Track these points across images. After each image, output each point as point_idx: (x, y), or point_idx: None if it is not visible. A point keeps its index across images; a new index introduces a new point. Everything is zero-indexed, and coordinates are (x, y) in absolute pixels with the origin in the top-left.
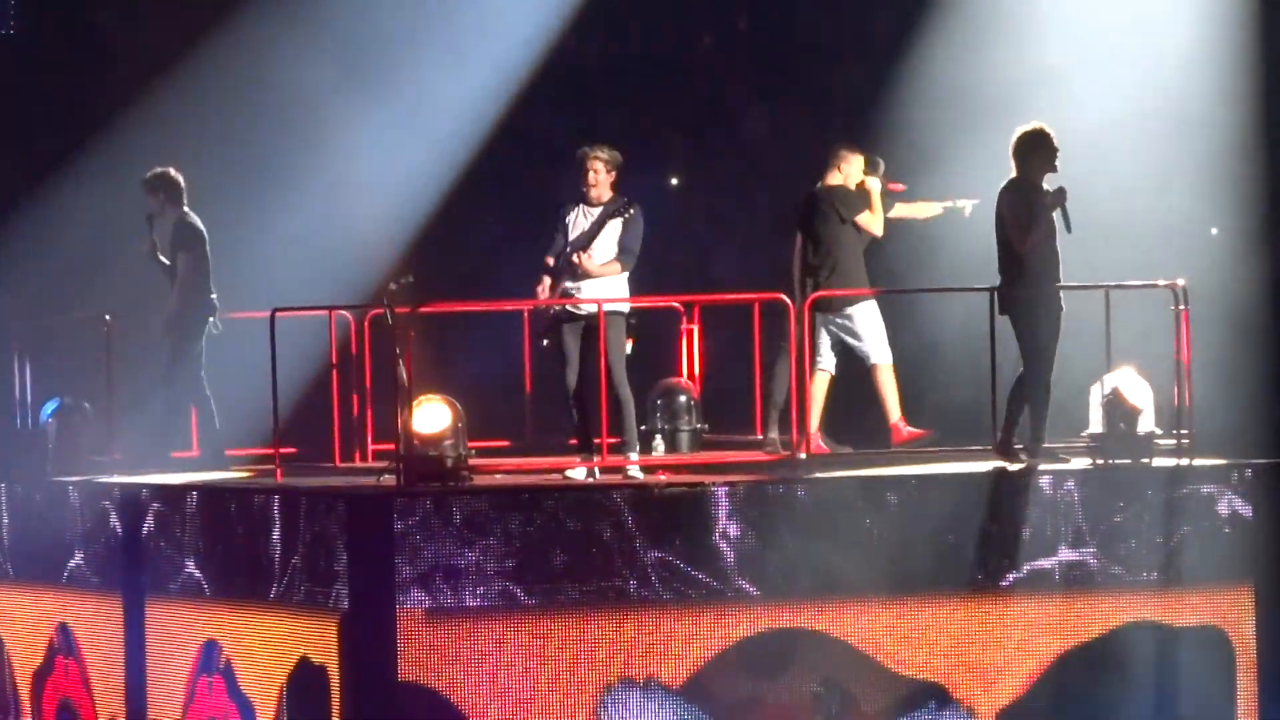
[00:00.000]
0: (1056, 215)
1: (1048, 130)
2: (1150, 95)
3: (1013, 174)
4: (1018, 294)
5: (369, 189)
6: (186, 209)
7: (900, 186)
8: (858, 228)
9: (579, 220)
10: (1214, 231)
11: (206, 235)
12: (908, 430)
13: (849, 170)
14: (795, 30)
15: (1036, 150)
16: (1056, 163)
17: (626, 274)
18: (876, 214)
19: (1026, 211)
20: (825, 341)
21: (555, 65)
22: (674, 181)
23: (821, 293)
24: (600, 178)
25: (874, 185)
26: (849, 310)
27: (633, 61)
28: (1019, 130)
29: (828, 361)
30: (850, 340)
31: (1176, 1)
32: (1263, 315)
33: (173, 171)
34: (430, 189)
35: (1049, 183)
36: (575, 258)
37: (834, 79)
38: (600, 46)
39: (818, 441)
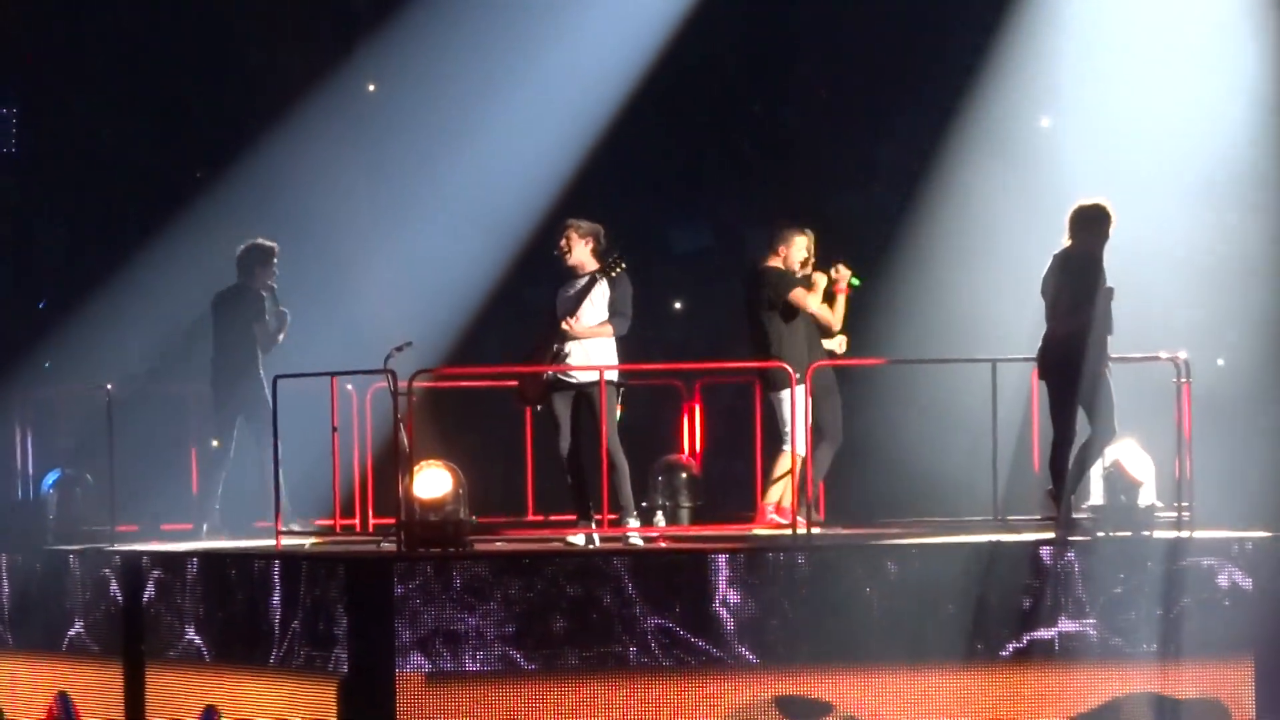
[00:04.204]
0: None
1: (1107, 205)
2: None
3: (1066, 244)
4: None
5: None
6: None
7: (845, 290)
8: (790, 308)
9: (565, 292)
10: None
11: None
12: (770, 518)
13: (790, 253)
14: (796, 157)
15: (1094, 224)
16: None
17: (613, 341)
18: (815, 292)
19: (1072, 291)
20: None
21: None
22: (678, 305)
23: (822, 363)
24: (575, 245)
25: (820, 280)
26: (781, 394)
27: (637, 182)
28: (1079, 202)
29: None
30: (776, 421)
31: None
32: (1265, 388)
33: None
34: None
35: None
36: (564, 324)
37: (831, 206)
38: (604, 167)
39: (770, 515)
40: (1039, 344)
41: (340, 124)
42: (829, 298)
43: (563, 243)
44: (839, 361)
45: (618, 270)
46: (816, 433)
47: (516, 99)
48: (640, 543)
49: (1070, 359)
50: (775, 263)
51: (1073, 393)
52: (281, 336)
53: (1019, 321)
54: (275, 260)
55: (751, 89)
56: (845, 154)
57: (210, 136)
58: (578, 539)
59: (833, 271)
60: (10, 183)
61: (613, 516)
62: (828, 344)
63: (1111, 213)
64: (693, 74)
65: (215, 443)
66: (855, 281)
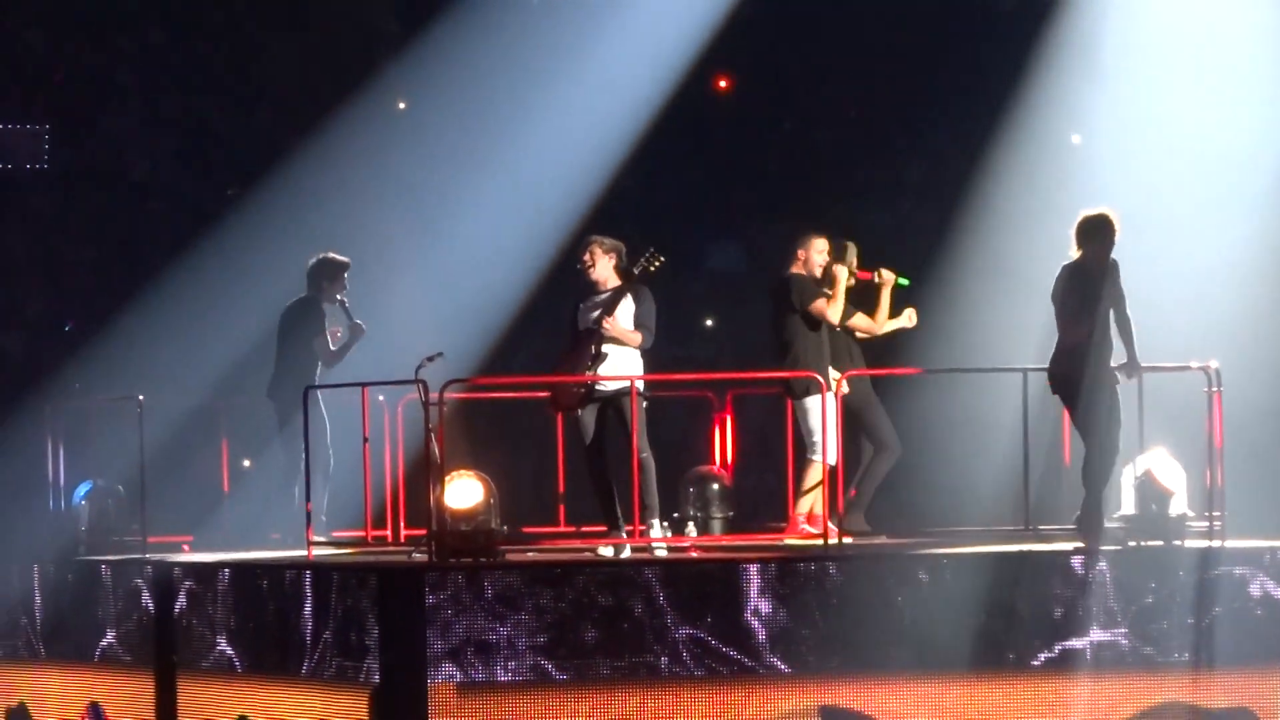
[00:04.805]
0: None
1: (1111, 214)
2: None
3: (1074, 255)
4: (1071, 374)
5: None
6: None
7: (868, 275)
8: (813, 316)
9: (587, 308)
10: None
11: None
12: (802, 528)
13: (810, 256)
14: (823, 172)
15: (1100, 234)
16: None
17: (639, 353)
18: (836, 301)
19: (1077, 301)
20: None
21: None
22: (709, 323)
23: (852, 371)
24: (598, 259)
25: (841, 273)
26: (806, 402)
27: (667, 199)
28: (1083, 213)
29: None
30: (801, 430)
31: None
32: None
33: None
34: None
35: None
36: (604, 322)
37: (858, 220)
38: (633, 188)
39: (802, 525)
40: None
41: (371, 140)
42: (855, 295)
43: (586, 257)
44: (870, 371)
45: (656, 264)
46: (874, 444)
47: (547, 116)
48: (664, 551)
49: (1076, 370)
50: (798, 269)
51: (1080, 402)
52: (352, 350)
53: (1049, 333)
54: (345, 275)
55: (781, 108)
56: (875, 172)
57: (241, 153)
58: (608, 550)
59: (875, 276)
60: (43, 200)
61: (642, 527)
62: (896, 323)
63: (1116, 222)
64: (724, 93)
65: (247, 463)
66: (904, 281)
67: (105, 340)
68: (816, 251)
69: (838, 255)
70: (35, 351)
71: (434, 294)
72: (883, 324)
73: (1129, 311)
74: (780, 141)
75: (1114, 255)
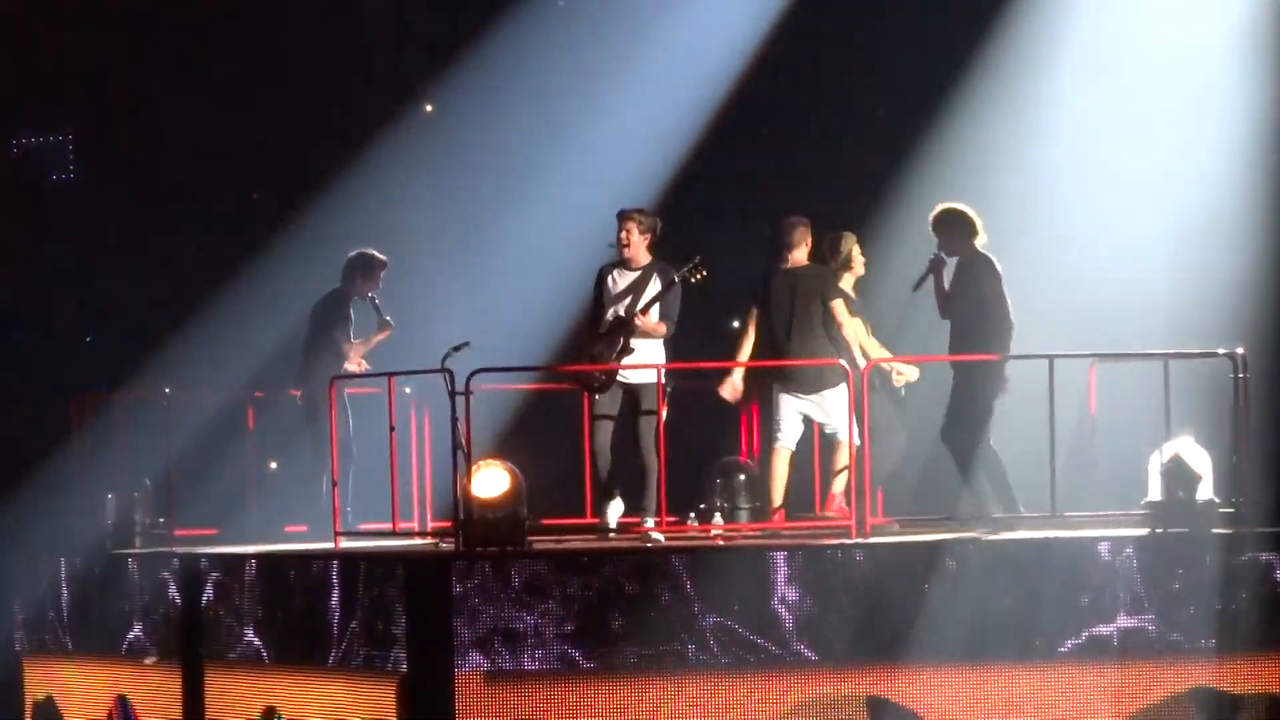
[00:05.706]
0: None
1: (960, 208)
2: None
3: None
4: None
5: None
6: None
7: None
8: (830, 311)
9: (617, 281)
10: None
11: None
12: (839, 505)
13: (810, 245)
14: (797, 164)
15: (940, 229)
16: (977, 235)
17: (662, 343)
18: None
19: (938, 296)
20: (787, 419)
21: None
22: (735, 324)
23: (878, 359)
24: (634, 238)
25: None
26: (825, 392)
27: (695, 198)
28: (937, 207)
29: (789, 439)
30: (819, 419)
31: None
32: None
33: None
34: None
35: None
36: (637, 319)
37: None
38: (662, 183)
39: (839, 503)
40: None
41: (409, 142)
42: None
43: (623, 234)
44: (899, 359)
45: (698, 276)
46: (873, 432)
47: (576, 121)
48: (661, 539)
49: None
50: (804, 259)
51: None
52: (375, 340)
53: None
54: (380, 272)
55: (808, 109)
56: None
57: (268, 159)
58: (659, 535)
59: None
60: (69, 208)
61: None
62: (882, 354)
63: (967, 213)
64: (749, 96)
65: (273, 465)
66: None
67: (134, 345)
68: (811, 239)
69: (834, 245)
70: (63, 354)
71: (468, 296)
72: (870, 346)
73: (1010, 315)
74: (804, 141)
75: (989, 253)
